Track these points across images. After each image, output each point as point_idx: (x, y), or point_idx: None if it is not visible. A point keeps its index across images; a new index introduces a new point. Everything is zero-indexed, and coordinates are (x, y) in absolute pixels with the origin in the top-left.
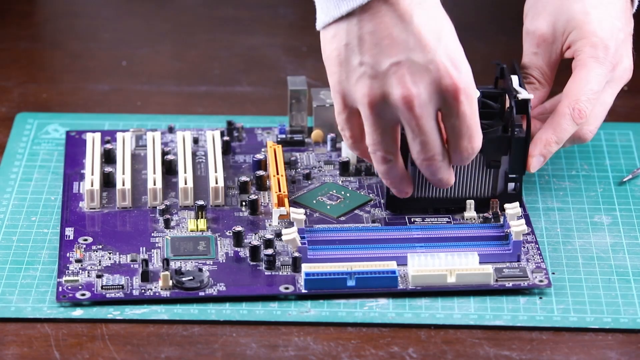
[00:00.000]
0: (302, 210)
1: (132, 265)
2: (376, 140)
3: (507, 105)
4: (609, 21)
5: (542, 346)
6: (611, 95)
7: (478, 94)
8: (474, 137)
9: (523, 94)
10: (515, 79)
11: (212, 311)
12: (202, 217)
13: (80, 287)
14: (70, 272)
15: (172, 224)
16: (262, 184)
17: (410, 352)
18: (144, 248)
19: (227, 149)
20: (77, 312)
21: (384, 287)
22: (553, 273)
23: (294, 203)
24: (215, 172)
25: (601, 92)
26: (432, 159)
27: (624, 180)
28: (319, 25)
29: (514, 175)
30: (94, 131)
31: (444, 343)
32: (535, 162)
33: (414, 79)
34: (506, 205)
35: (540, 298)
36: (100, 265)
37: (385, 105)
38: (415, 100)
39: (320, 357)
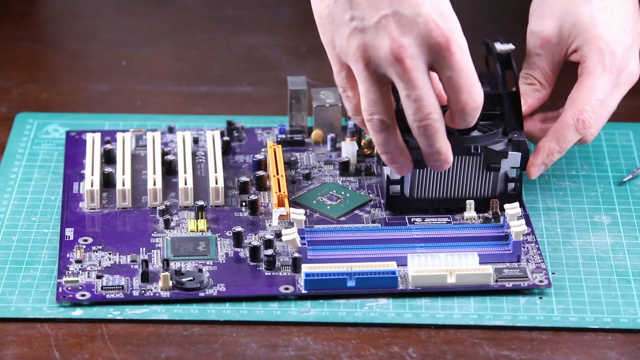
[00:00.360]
0: (302, 211)
1: (132, 266)
2: (371, 100)
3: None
4: (616, 25)
5: (542, 346)
6: (616, 99)
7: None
8: (474, 89)
9: (504, 47)
10: (497, 44)
11: (212, 311)
12: (202, 218)
13: (80, 288)
14: (70, 272)
15: (172, 224)
16: (262, 184)
17: (410, 352)
18: (144, 248)
19: (227, 149)
20: (77, 312)
21: (384, 287)
22: (553, 273)
23: (294, 203)
24: (215, 172)
25: (606, 98)
26: (428, 117)
27: (624, 180)
28: None
29: (514, 176)
30: (94, 131)
31: (444, 343)
32: (536, 171)
33: (402, 31)
34: (506, 206)
35: (540, 298)
36: (100, 265)
37: (376, 60)
38: (404, 52)
39: (320, 357)
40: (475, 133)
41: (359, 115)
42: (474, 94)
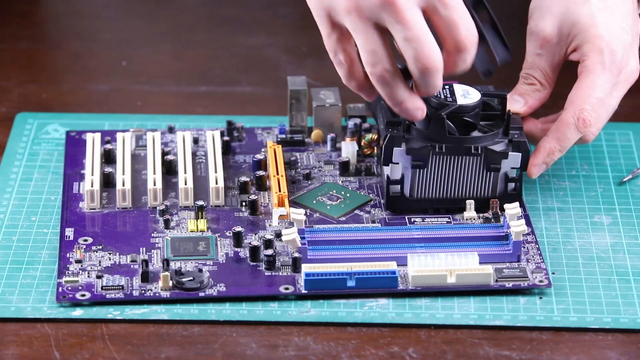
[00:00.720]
0: (302, 211)
1: (132, 266)
2: (371, 50)
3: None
4: (615, 24)
5: (542, 346)
6: (616, 98)
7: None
8: (470, 24)
9: None
10: None
11: (212, 311)
12: (202, 218)
13: (80, 288)
14: (70, 272)
15: (172, 224)
16: (262, 184)
17: (410, 352)
18: (144, 248)
19: (227, 149)
20: (77, 312)
21: (384, 287)
22: (553, 273)
23: (294, 203)
24: (215, 172)
25: (606, 97)
26: (428, 58)
27: (624, 180)
28: None
29: (514, 176)
30: (94, 131)
31: (444, 343)
32: (537, 170)
33: None
34: (506, 206)
35: (540, 298)
36: (100, 265)
37: (368, 6)
38: None
39: (320, 357)
40: (475, 133)
41: (352, 80)
42: (471, 28)
